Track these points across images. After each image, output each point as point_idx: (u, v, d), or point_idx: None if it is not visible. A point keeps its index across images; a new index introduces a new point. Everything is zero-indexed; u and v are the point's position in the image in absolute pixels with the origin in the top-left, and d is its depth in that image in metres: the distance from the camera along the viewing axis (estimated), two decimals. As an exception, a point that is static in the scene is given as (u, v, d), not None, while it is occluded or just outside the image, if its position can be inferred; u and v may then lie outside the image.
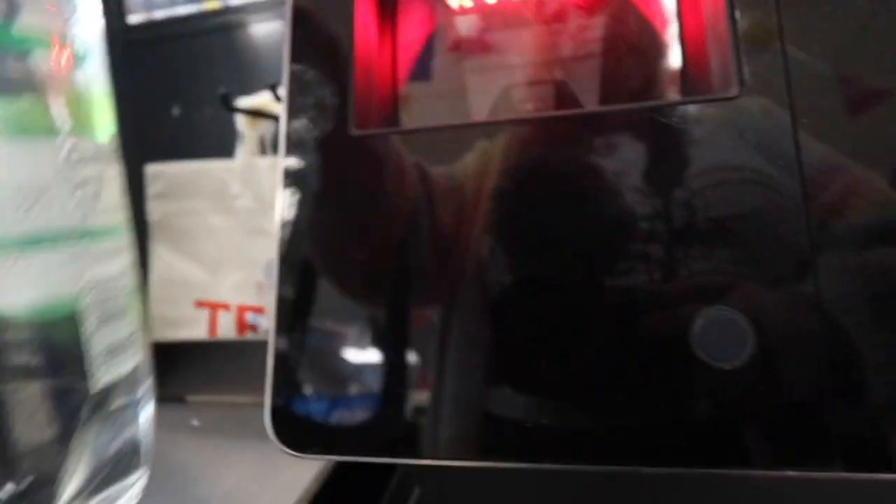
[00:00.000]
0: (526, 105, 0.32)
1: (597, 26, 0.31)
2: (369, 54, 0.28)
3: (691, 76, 0.26)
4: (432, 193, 0.24)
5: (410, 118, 0.30)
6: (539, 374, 0.22)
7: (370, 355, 0.24)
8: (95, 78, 0.23)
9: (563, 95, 0.31)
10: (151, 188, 0.67)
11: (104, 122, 0.23)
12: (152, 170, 0.67)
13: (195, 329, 0.66)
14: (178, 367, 0.56)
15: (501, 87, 0.33)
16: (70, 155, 0.20)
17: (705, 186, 0.22)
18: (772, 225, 0.21)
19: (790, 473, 0.19)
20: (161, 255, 0.67)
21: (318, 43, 0.27)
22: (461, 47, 0.33)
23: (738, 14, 0.23)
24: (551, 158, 0.24)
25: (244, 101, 0.64)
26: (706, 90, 0.24)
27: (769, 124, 0.22)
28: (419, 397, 0.23)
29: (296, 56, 0.27)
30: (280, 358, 0.24)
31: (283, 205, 0.26)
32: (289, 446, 0.24)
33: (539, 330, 0.22)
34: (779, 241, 0.21)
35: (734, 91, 0.22)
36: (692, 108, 0.23)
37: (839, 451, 0.19)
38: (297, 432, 0.24)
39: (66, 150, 0.20)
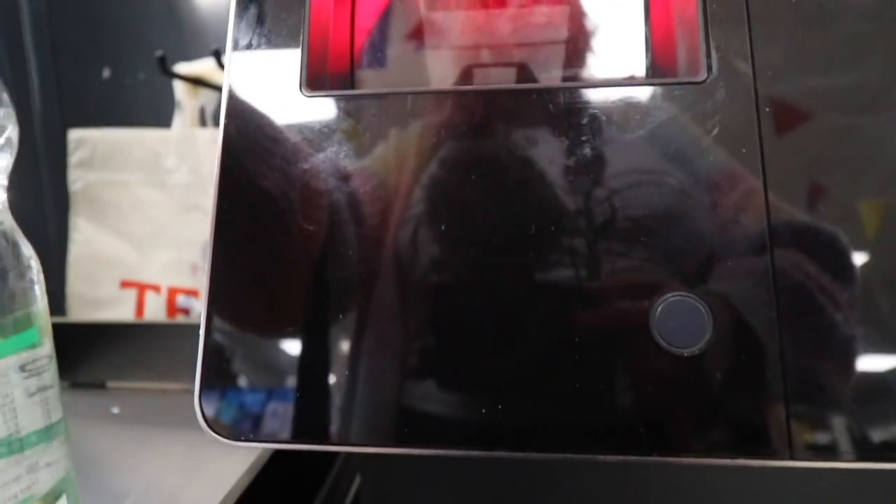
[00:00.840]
0: (487, 83, 0.31)
1: (561, 9, 0.31)
2: (325, 13, 0.26)
3: (657, 60, 0.26)
4: (362, 176, 0.23)
5: (366, 87, 0.28)
6: (496, 363, 0.21)
7: (301, 343, 0.22)
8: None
9: (525, 77, 0.31)
10: (74, 155, 0.61)
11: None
12: (75, 135, 0.61)
13: (120, 310, 0.61)
14: (99, 350, 0.51)
15: (464, 66, 0.32)
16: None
17: (665, 173, 0.22)
18: (732, 213, 0.21)
19: (741, 462, 0.19)
20: (82, 230, 0.61)
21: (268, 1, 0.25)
22: (424, 24, 0.32)
23: (709, 4, 0.22)
24: (510, 136, 0.23)
25: (184, 67, 0.60)
26: (672, 75, 0.24)
27: (734, 110, 0.21)
28: (355, 386, 0.22)
29: (241, 11, 0.25)
30: (212, 342, 0.22)
31: (220, 175, 0.23)
32: (219, 433, 0.22)
33: (494, 318, 0.21)
34: (740, 230, 0.21)
35: (702, 76, 0.22)
36: (658, 91, 0.22)
37: (787, 441, 0.19)
38: (226, 419, 0.22)
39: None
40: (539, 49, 0.31)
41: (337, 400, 0.22)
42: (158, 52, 0.57)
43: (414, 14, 0.31)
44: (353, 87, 0.28)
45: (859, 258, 0.21)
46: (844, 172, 0.21)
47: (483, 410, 0.20)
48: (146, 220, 0.61)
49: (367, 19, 0.29)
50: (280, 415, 0.22)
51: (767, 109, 0.21)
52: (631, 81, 0.25)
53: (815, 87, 0.22)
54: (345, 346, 0.22)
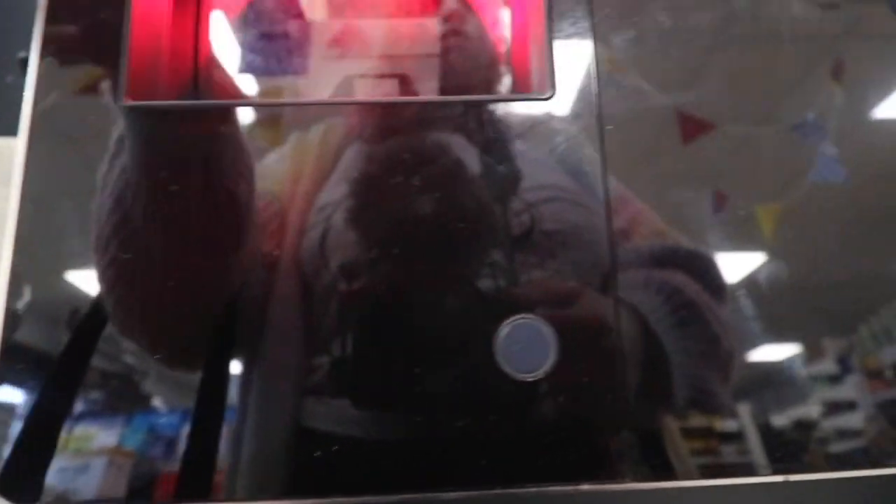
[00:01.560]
0: (366, 95, 0.30)
1: (437, 26, 0.30)
2: (157, 12, 0.24)
3: (517, 78, 0.26)
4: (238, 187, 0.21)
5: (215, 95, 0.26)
6: (335, 400, 0.19)
7: (143, 377, 0.20)
8: None
9: (405, 88, 0.30)
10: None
11: None
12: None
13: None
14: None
15: (342, 77, 0.31)
16: None
17: (516, 190, 0.21)
18: (576, 232, 0.20)
19: (585, 488, 0.19)
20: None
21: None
22: (287, 31, 0.30)
23: (554, 25, 0.22)
24: (372, 151, 0.22)
25: (55, 70, 0.54)
26: (527, 90, 0.24)
27: (578, 126, 0.21)
28: (211, 433, 0.19)
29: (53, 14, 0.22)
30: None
31: (22, 188, 0.21)
32: (13, 498, 0.18)
33: (343, 353, 0.19)
34: (583, 250, 0.20)
35: (548, 92, 0.22)
36: (513, 106, 0.22)
37: (632, 463, 0.19)
38: (28, 479, 0.19)
39: None
40: (417, 63, 0.31)
41: (202, 452, 0.19)
42: (22, 53, 0.52)
43: (273, 20, 0.29)
44: (197, 95, 0.25)
45: (710, 273, 0.21)
46: (690, 186, 0.21)
47: (316, 454, 0.18)
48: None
49: (216, 23, 0.27)
50: (96, 470, 0.19)
51: (610, 126, 0.21)
52: (487, 97, 0.25)
53: (656, 103, 0.22)
54: (206, 387, 0.20)
